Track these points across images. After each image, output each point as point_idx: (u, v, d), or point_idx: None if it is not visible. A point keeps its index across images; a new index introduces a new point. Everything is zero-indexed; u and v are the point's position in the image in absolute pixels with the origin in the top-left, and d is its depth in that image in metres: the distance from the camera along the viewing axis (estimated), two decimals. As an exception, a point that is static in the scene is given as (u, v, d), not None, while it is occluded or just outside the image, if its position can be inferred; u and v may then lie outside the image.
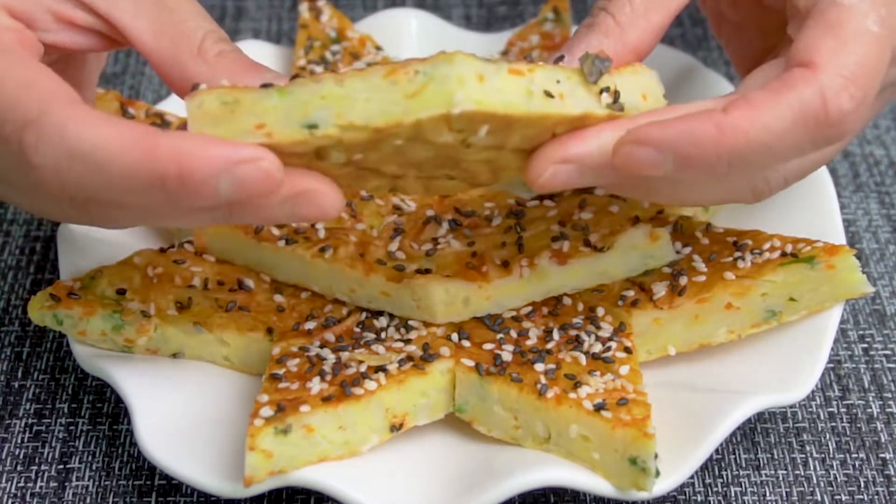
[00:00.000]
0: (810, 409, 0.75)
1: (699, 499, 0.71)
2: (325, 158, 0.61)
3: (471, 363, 0.69)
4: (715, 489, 0.71)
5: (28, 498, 0.71)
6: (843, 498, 0.71)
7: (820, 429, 0.74)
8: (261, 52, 0.90)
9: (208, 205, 0.59)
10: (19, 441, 0.74)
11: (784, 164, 0.65)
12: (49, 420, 0.75)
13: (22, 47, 0.62)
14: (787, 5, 0.67)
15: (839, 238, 0.75)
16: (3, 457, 0.73)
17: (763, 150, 0.60)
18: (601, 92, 0.62)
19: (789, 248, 0.72)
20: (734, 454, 0.73)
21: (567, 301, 0.73)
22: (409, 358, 0.69)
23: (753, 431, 0.74)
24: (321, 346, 0.70)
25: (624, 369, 0.68)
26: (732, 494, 0.71)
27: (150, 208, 0.60)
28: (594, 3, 0.67)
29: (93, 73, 0.72)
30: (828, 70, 0.61)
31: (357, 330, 0.72)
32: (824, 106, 0.61)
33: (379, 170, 0.63)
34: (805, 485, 0.71)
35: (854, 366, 0.78)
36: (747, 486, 0.71)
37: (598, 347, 0.70)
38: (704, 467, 0.72)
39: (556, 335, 0.71)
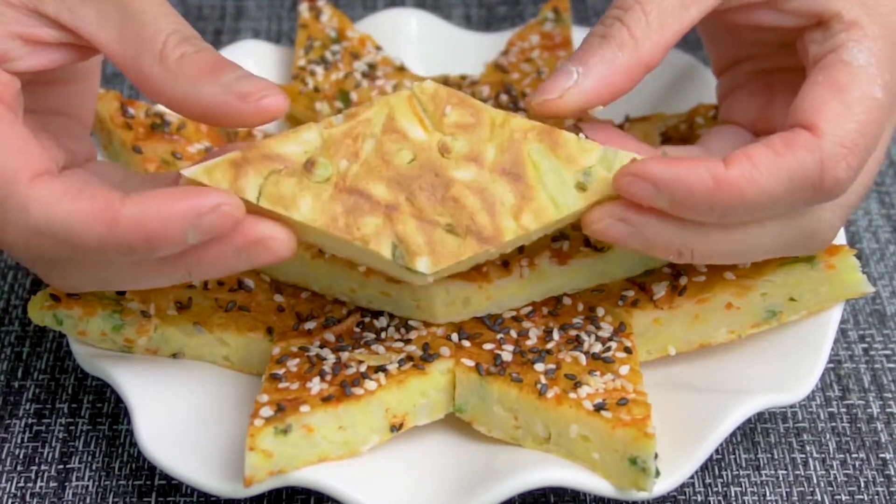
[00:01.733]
0: (810, 409, 0.75)
1: (699, 499, 0.71)
2: (312, 171, 0.63)
3: (471, 363, 0.69)
4: (715, 489, 0.71)
5: (28, 498, 0.71)
6: (843, 498, 0.71)
7: (820, 429, 0.74)
8: (261, 52, 0.90)
9: (178, 250, 0.61)
10: (19, 441, 0.74)
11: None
12: (49, 420, 0.75)
13: None
14: (799, 42, 0.69)
15: (839, 238, 0.75)
16: (3, 457, 0.73)
17: (755, 207, 0.63)
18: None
19: (789, 248, 0.72)
20: (734, 454, 0.73)
21: (567, 301, 0.73)
22: (409, 358, 0.69)
23: (753, 431, 0.74)
24: (321, 346, 0.70)
25: (624, 369, 0.68)
26: (732, 494, 0.71)
27: (112, 277, 0.64)
28: (607, 11, 0.67)
29: (90, 95, 0.72)
30: (830, 137, 0.63)
31: (357, 330, 0.72)
32: (821, 174, 0.63)
33: (370, 195, 0.63)
34: (805, 485, 0.71)
35: (854, 366, 0.78)
36: (747, 486, 0.71)
37: (598, 347, 0.70)
38: (704, 467, 0.72)
39: (556, 335, 0.71)
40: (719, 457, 0.73)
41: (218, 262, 0.61)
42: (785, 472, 0.72)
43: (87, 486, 0.71)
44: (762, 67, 0.73)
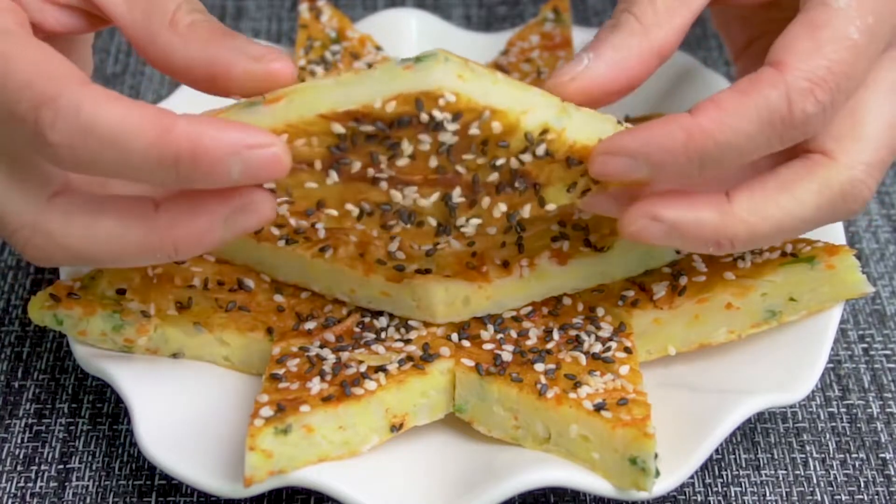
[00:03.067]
0: (810, 409, 0.75)
1: (699, 499, 0.71)
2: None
3: (471, 363, 0.69)
4: (715, 489, 0.71)
5: (28, 498, 0.71)
6: (843, 498, 0.71)
7: (820, 429, 0.74)
8: (261, 52, 0.90)
9: (220, 184, 0.60)
10: (19, 441, 0.74)
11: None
12: (49, 420, 0.75)
13: (22, 28, 0.63)
14: None
15: (839, 238, 0.75)
16: (3, 457, 0.73)
17: (731, 150, 0.62)
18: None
19: (789, 248, 0.72)
20: (734, 454, 0.73)
21: (567, 301, 0.73)
22: (409, 358, 0.69)
23: (753, 431, 0.74)
24: (321, 346, 0.70)
25: (624, 369, 0.68)
26: (732, 494, 0.71)
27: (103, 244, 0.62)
28: (616, 5, 0.67)
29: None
30: (795, 72, 0.63)
31: (357, 330, 0.72)
32: (789, 108, 0.62)
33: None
34: (805, 485, 0.71)
35: (854, 366, 0.78)
36: (747, 486, 0.71)
37: (598, 347, 0.70)
38: (704, 467, 0.72)
39: (556, 335, 0.71)
40: (719, 457, 0.73)
41: (207, 232, 0.61)
42: (785, 472, 0.72)
43: (87, 486, 0.71)
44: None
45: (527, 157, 0.64)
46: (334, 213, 0.64)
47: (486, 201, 0.65)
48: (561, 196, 0.65)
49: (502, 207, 0.65)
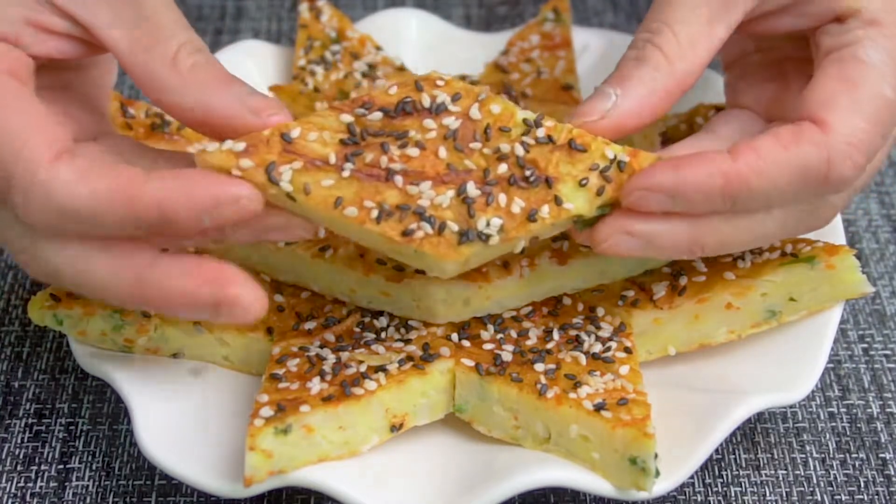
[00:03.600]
0: (810, 409, 0.75)
1: (699, 499, 0.71)
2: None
3: (471, 363, 0.69)
4: (715, 489, 0.71)
5: (28, 498, 0.71)
6: (843, 498, 0.71)
7: (820, 429, 0.74)
8: (261, 52, 0.90)
9: (193, 234, 0.62)
10: (19, 441, 0.74)
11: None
12: (49, 420, 0.75)
13: (9, 75, 0.63)
14: (811, 34, 0.69)
15: (839, 238, 0.75)
16: (3, 457, 0.73)
17: (763, 197, 0.63)
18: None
19: (789, 249, 0.72)
20: (734, 454, 0.73)
21: (567, 301, 0.73)
22: (409, 358, 0.69)
23: (753, 431, 0.74)
24: (321, 346, 0.70)
25: (624, 369, 0.68)
26: (732, 494, 0.71)
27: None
28: (636, 35, 0.67)
29: (104, 83, 0.72)
30: (838, 135, 0.63)
31: (357, 330, 0.72)
32: (827, 171, 0.63)
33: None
34: (805, 485, 0.71)
35: (854, 366, 0.78)
36: (747, 486, 0.71)
37: (598, 347, 0.70)
38: (704, 467, 0.72)
39: (556, 335, 0.71)
40: (719, 457, 0.73)
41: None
42: (785, 472, 0.72)
43: (87, 486, 0.71)
44: (773, 57, 0.73)
45: (529, 140, 0.65)
46: (354, 211, 0.64)
47: (502, 198, 0.65)
48: (576, 194, 0.65)
49: (520, 203, 0.65)
